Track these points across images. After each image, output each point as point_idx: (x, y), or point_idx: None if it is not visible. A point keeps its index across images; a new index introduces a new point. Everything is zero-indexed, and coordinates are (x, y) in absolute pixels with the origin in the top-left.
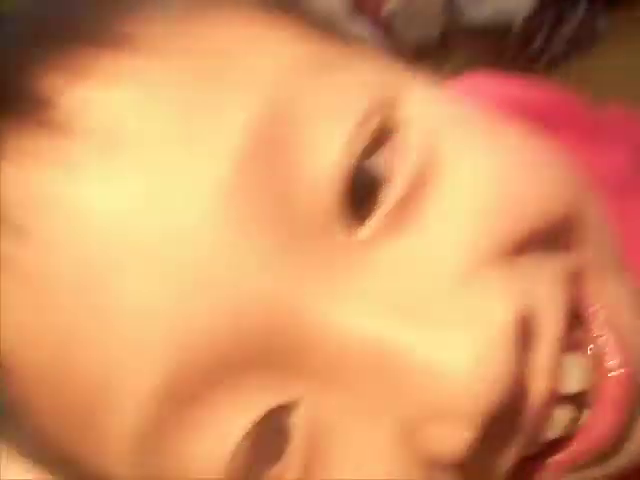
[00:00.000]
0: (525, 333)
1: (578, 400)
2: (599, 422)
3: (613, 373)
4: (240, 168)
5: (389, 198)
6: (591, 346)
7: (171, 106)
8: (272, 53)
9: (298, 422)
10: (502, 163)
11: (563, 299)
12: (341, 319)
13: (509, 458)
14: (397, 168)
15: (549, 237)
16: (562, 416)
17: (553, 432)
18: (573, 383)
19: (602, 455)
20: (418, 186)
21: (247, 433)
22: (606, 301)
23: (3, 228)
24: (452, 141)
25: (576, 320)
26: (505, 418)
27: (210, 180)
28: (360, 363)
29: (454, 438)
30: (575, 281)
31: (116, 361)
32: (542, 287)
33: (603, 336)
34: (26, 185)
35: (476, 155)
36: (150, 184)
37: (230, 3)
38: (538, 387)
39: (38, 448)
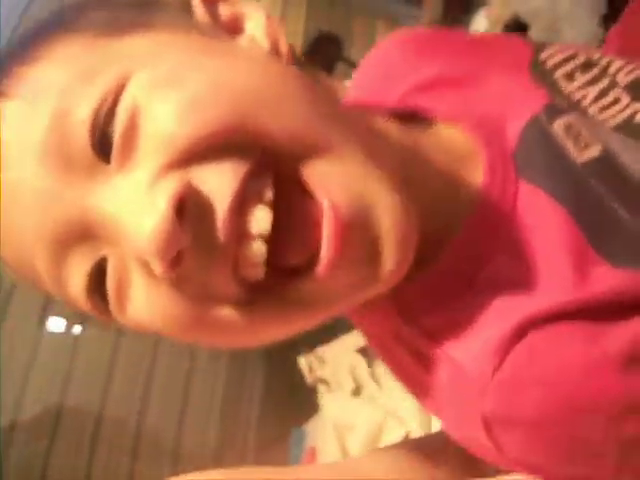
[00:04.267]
0: (190, 204)
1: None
2: (325, 247)
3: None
4: (44, 139)
5: (116, 143)
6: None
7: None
8: (65, 69)
9: (109, 268)
10: (182, 98)
11: (234, 183)
12: (93, 203)
13: (223, 275)
14: (117, 126)
15: (230, 142)
16: (257, 249)
17: (255, 261)
18: (258, 225)
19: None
20: (129, 132)
21: (90, 274)
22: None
23: None
24: (152, 97)
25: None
26: (201, 251)
27: (31, 149)
28: (106, 226)
29: (155, 268)
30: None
31: (24, 236)
32: (215, 177)
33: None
34: None
35: (162, 101)
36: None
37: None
38: (220, 227)
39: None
